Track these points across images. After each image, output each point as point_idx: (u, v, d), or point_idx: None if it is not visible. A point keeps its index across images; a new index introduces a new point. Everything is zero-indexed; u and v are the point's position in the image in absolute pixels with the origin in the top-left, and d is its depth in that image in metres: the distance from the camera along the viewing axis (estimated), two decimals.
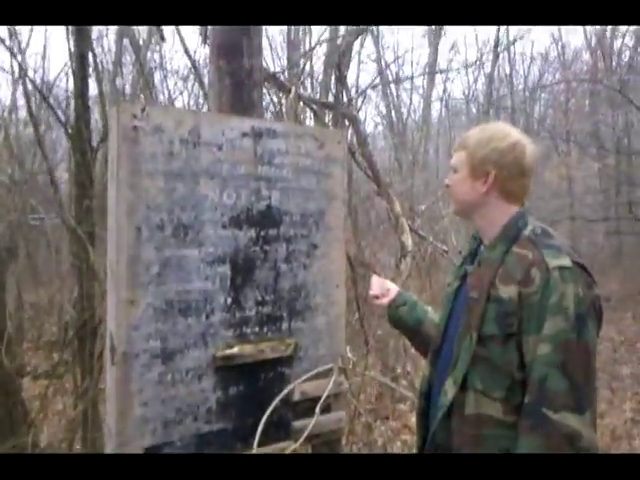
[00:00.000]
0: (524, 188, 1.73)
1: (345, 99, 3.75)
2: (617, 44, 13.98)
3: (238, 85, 2.21)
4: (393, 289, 2.12)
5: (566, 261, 1.56)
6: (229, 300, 2.08)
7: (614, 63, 14.46)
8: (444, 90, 15.65)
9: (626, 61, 13.91)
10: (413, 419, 4.66)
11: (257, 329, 2.15)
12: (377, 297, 2.10)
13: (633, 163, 13.14)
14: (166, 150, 1.93)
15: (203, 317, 2.02)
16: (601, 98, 13.92)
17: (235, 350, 2.08)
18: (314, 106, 3.67)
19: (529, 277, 1.56)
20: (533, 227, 1.67)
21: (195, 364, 2.00)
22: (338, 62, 3.77)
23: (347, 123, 3.78)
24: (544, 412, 1.49)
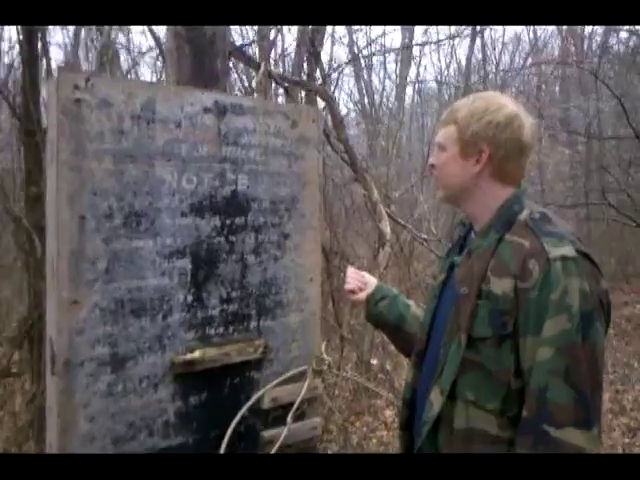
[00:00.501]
0: (521, 168, 1.51)
1: (319, 77, 3.49)
2: (588, 29, 13.91)
3: (199, 54, 1.96)
4: (371, 282, 1.90)
5: (569, 250, 1.35)
6: (190, 298, 1.84)
7: (585, 47, 14.40)
8: (417, 75, 15.41)
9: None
10: (388, 413, 4.49)
11: (222, 330, 1.92)
12: (353, 292, 1.88)
13: (604, 149, 13.14)
14: (115, 127, 1.67)
15: (159, 318, 1.78)
16: (572, 83, 13.85)
17: (196, 354, 1.84)
18: (286, 84, 3.40)
19: (526, 269, 1.34)
20: (530, 211, 1.45)
21: (150, 371, 1.76)
22: (311, 37, 3.50)
23: (321, 103, 3.54)
24: (545, 428, 1.28)
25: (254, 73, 3.34)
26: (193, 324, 1.85)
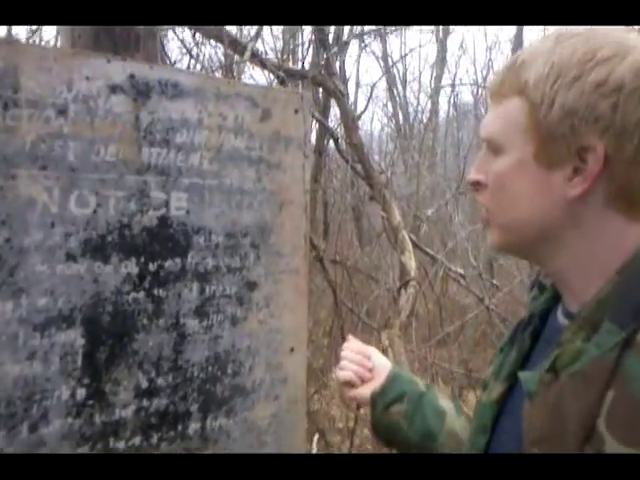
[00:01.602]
0: None
1: (324, 65, 2.79)
2: None
3: None
4: (379, 365, 1.13)
5: None
6: (81, 393, 1.13)
7: None
8: (452, 87, 14.64)
9: None
10: None
11: (138, 440, 1.20)
12: (351, 384, 1.14)
13: None
14: None
15: (24, 429, 1.07)
16: None
17: None
18: (280, 73, 2.67)
19: None
20: None
21: None
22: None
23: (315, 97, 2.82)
24: None
25: (235, 57, 2.62)
26: (86, 435, 1.14)
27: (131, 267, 1.19)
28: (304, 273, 1.45)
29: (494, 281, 3.44)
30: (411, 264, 2.51)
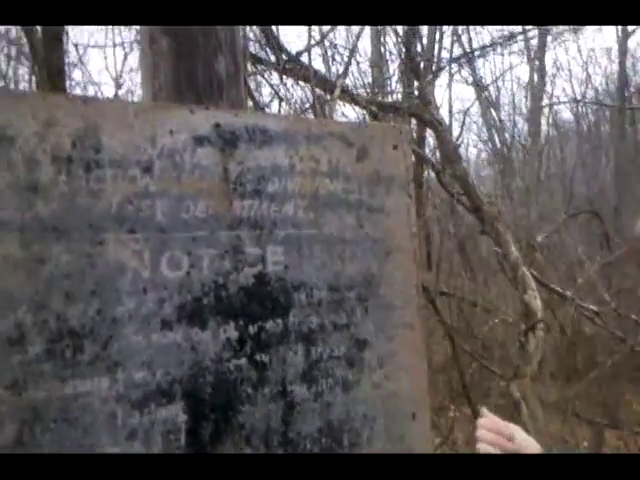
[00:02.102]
0: None
1: (418, 95, 2.62)
2: None
3: (187, 51, 1.17)
4: (525, 448, 0.96)
5: None
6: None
7: None
8: (550, 108, 14.01)
9: None
10: None
11: None
12: None
13: None
14: (20, 180, 0.94)
15: None
16: None
17: None
18: (373, 108, 2.52)
19: None
20: None
21: None
22: (406, 41, 2.59)
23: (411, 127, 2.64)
24: None
25: (325, 96, 2.52)
26: None
27: (230, 331, 1.08)
28: (420, 328, 1.29)
29: (633, 316, 3.06)
30: (536, 304, 2.26)
